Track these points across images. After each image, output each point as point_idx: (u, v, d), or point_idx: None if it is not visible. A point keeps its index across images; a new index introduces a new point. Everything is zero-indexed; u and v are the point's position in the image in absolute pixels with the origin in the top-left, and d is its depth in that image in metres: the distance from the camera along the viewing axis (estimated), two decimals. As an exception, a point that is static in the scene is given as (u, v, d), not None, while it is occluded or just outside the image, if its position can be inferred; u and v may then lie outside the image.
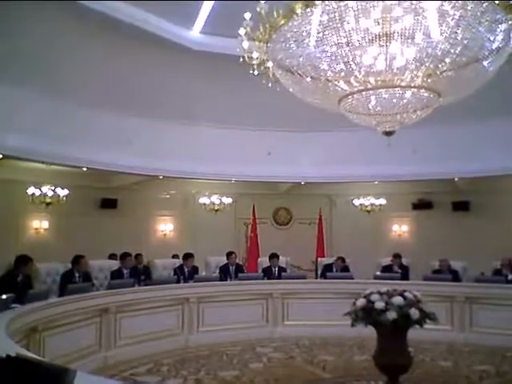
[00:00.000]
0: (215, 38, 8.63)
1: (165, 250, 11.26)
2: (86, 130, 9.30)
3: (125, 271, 7.83)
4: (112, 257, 9.61)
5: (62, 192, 10.33)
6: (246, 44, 4.25)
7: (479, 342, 7.23)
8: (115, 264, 8.09)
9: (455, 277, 8.18)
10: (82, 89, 8.76)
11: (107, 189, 11.81)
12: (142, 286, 7.56)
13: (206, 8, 8.11)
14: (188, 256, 8.59)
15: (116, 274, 7.63)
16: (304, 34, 3.90)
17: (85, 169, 9.98)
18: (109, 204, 11.90)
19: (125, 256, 8.07)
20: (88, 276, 7.20)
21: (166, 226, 13.07)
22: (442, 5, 3.74)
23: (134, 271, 8.10)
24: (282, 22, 3.92)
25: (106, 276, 7.67)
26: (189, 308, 7.49)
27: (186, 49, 8.63)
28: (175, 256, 9.96)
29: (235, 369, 6.22)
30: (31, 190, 10.04)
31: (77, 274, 6.98)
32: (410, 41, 3.79)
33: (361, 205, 12.97)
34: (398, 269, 8.78)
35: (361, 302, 4.79)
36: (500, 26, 3.97)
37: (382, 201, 12.87)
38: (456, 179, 11.46)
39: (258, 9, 4.02)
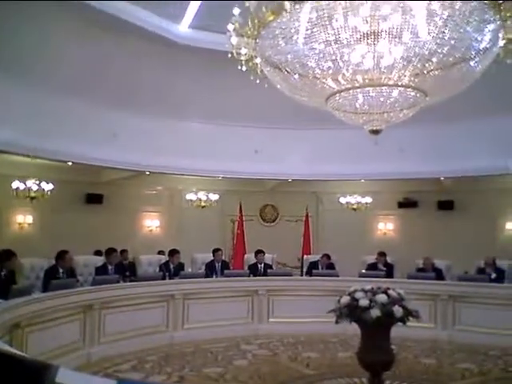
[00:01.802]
0: (204, 33, 8.60)
1: (151, 246, 11.21)
2: (71, 124, 9.21)
3: (110, 267, 7.77)
4: (97, 253, 9.54)
5: (47, 186, 10.20)
6: (234, 40, 4.24)
7: (462, 340, 7.31)
8: (100, 260, 8.03)
9: (439, 275, 8.26)
10: (70, 83, 8.68)
11: (93, 184, 11.70)
12: (127, 283, 7.51)
13: (195, 3, 8.07)
14: (174, 252, 8.55)
15: (101, 270, 7.57)
16: (292, 30, 3.90)
17: (70, 163, 9.89)
18: (94, 199, 11.80)
19: (110, 252, 8.01)
20: (72, 272, 7.13)
21: (152, 222, 13.00)
22: (430, 4, 3.76)
23: (119, 267, 8.05)
24: (271, 18, 3.91)
25: (90, 272, 7.61)
26: (174, 305, 7.46)
27: (173, 43, 8.58)
28: (161, 252, 9.91)
29: (219, 366, 6.21)
30: (16, 184, 9.90)
31: (61, 270, 6.90)
32: (397, 40, 3.80)
33: (347, 203, 13.02)
34: (382, 267, 8.84)
35: (345, 299, 4.80)
36: (488, 25, 3.99)
37: (368, 199, 12.94)
38: (442, 178, 11.57)
39: (247, 4, 4.00)
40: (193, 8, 8.21)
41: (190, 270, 8.88)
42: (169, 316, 7.40)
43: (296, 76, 4.41)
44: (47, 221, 11.02)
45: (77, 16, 7.53)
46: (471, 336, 7.28)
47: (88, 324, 6.35)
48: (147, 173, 11.14)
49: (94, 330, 6.42)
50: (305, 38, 3.91)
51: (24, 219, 11.15)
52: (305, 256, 10.62)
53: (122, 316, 6.75)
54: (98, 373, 5.66)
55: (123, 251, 9.60)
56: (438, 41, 3.86)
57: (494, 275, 7.95)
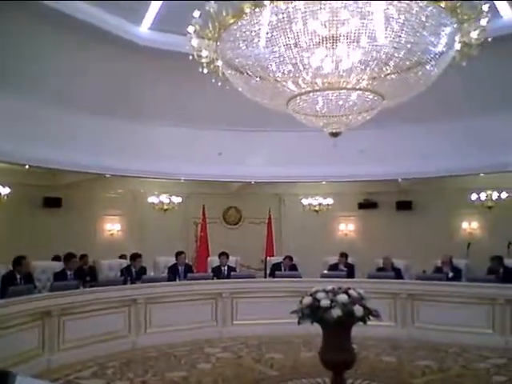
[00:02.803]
0: (164, 35, 8.54)
1: (112, 250, 11.02)
2: (28, 126, 8.96)
3: (69, 273, 7.61)
4: (56, 258, 9.30)
5: (3, 190, 9.92)
6: (195, 42, 4.23)
7: (422, 337, 7.48)
8: (59, 265, 7.84)
9: (398, 274, 8.45)
10: (25, 83, 8.45)
11: (51, 187, 11.43)
12: (87, 288, 7.36)
13: (155, 4, 8.01)
14: (136, 256, 8.44)
15: (59, 276, 7.40)
16: (253, 34, 3.92)
17: (27, 166, 9.62)
18: (52, 203, 11.52)
19: (69, 257, 7.83)
20: (30, 278, 6.96)
21: (113, 226, 12.78)
22: (388, 8, 3.85)
23: (79, 272, 7.88)
24: (231, 21, 3.93)
25: (48, 278, 7.45)
26: (136, 309, 7.36)
27: (133, 44, 8.49)
28: (122, 256, 9.76)
29: (183, 370, 6.16)
30: (-30, 188, 9.60)
31: (18, 276, 6.74)
32: (355, 44, 3.88)
33: (309, 204, 13.18)
34: (343, 267, 8.98)
35: (307, 299, 4.85)
36: (445, 29, 4.11)
37: (330, 200, 13.13)
38: (400, 180, 11.85)
39: (207, 7, 4.01)
40: (153, 10, 8.15)
41: (152, 273, 8.78)
42: (131, 321, 7.30)
43: (257, 79, 4.44)
44: (4, 225, 10.67)
45: (32, 14, 7.33)
46: (430, 334, 7.47)
47: (47, 331, 6.20)
48: (107, 175, 10.95)
49: (53, 337, 6.28)
50: (265, 41, 3.94)
51: (-21, 224, 10.78)
52: (268, 258, 10.67)
53: (83, 322, 6.62)
54: (57, 380, 5.56)
55: (83, 256, 9.41)
56: (394, 45, 3.96)
57: (451, 274, 8.18)
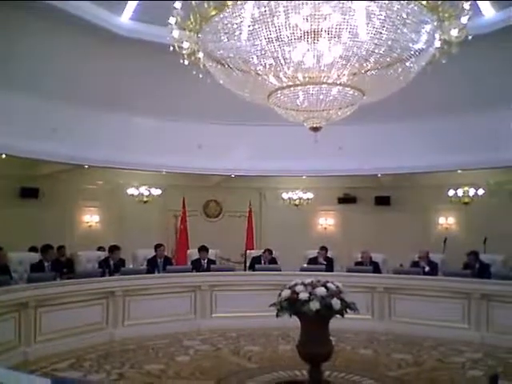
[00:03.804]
0: (145, 26, 8.46)
1: (90, 242, 10.93)
2: (5, 116, 8.79)
3: (46, 264, 7.54)
4: (32, 249, 9.17)
5: (-21, 181, 9.73)
6: (176, 33, 4.20)
7: (398, 331, 7.59)
8: (36, 257, 7.75)
9: (376, 268, 8.56)
10: (6, 75, 8.28)
11: (28, 177, 11.23)
12: (64, 280, 7.30)
13: (136, -6, 7.93)
14: (114, 248, 8.38)
15: (36, 267, 7.32)
16: (235, 26, 3.91)
17: (4, 156, 9.44)
18: (30, 193, 11.32)
19: (46, 248, 7.76)
20: (6, 269, 6.89)
21: (91, 218, 12.62)
22: (369, 5, 3.87)
23: (56, 264, 7.83)
24: (213, 13, 3.91)
25: (25, 269, 7.35)
26: (114, 302, 7.32)
27: (115, 35, 8.38)
28: (101, 248, 9.68)
29: (161, 362, 6.16)
30: None
31: (-6, 267, 6.63)
32: (336, 39, 3.89)
33: (289, 198, 13.22)
34: (323, 261, 9.05)
35: (286, 292, 4.88)
36: (425, 26, 4.15)
37: (310, 195, 13.19)
38: (379, 175, 11.97)
39: (189, -1, 3.98)
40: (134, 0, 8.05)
41: (131, 266, 8.74)
42: (108, 313, 7.26)
43: (238, 72, 4.43)
44: (-21, 216, 10.49)
45: (11, 5, 7.18)
46: (407, 327, 7.58)
47: (23, 322, 6.15)
48: (86, 166, 10.81)
49: (29, 329, 6.23)
50: (247, 34, 3.93)
51: (-47, 215, 10.56)
52: (248, 251, 10.70)
53: (60, 314, 6.58)
54: (34, 372, 5.51)
55: (60, 247, 9.31)
56: (375, 41, 3.98)
57: (427, 268, 8.30)
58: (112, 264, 8.14)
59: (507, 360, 6.25)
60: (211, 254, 9.09)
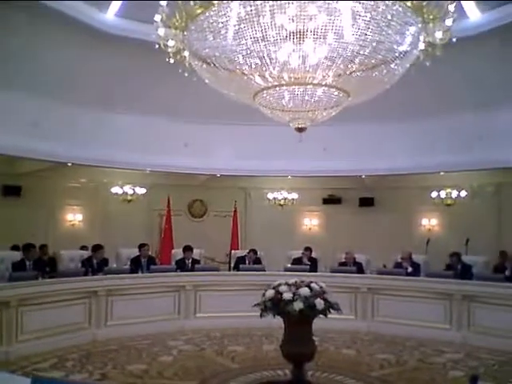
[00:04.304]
0: (131, 23, 8.39)
1: (73, 240, 10.81)
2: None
3: (28, 263, 7.45)
4: (14, 248, 9.05)
5: (-41, 178, 9.57)
6: (161, 31, 4.17)
7: (381, 331, 7.66)
8: (18, 255, 7.64)
9: (359, 269, 8.61)
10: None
11: (11, 175, 11.08)
12: (46, 279, 7.22)
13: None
14: (97, 248, 8.30)
15: (18, 266, 7.23)
16: (221, 25, 3.90)
17: (-16, 153, 9.31)
18: (12, 191, 11.19)
19: (28, 247, 7.67)
20: (-14, 268, 6.75)
21: (74, 216, 12.50)
22: (355, 6, 3.89)
23: (39, 263, 7.73)
24: (199, 11, 3.90)
25: (7, 268, 7.24)
26: (97, 301, 7.26)
27: (98, 31, 8.29)
28: (84, 247, 9.58)
29: (144, 362, 6.13)
30: None
31: (-26, 266, 6.52)
32: (322, 40, 3.90)
33: (274, 198, 13.24)
34: (307, 261, 9.08)
35: (270, 293, 4.89)
36: (410, 28, 4.18)
37: (295, 195, 13.23)
38: (363, 176, 12.05)
39: (175, -4, 3.96)
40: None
41: (114, 265, 8.67)
42: (91, 313, 7.21)
43: (224, 71, 4.42)
44: (-41, 214, 10.33)
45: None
46: (389, 327, 7.65)
47: (4, 322, 6.10)
48: (69, 164, 10.69)
49: (11, 328, 6.17)
50: (233, 33, 3.93)
51: None
52: (232, 251, 10.68)
53: (42, 313, 6.51)
54: (16, 371, 5.45)
55: (43, 246, 9.21)
56: (360, 42, 4.00)
57: (410, 269, 8.35)
58: (95, 263, 8.06)
59: (488, 361, 6.32)
60: (196, 253, 9.06)
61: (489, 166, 10.47)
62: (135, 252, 8.63)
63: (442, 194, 11.93)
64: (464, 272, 8.01)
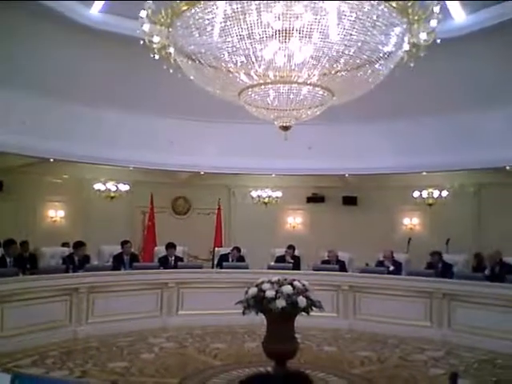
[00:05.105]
0: (115, 18, 8.30)
1: (54, 237, 10.69)
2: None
3: (8, 259, 7.38)
4: (-6, 244, 8.95)
5: None
6: (146, 27, 4.15)
7: (362, 329, 7.73)
8: (-2, 252, 7.55)
9: (342, 267, 8.66)
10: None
11: (-9, 171, 10.93)
12: (27, 276, 7.13)
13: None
14: (79, 244, 8.24)
15: (-2, 262, 7.14)
16: (206, 22, 3.89)
17: (-35, 148, 9.16)
18: (-7, 187, 11.04)
19: (8, 243, 7.58)
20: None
21: (56, 213, 12.36)
22: (340, 5, 3.91)
23: (19, 260, 7.64)
24: (184, 8, 3.88)
25: (-14, 264, 7.15)
26: (78, 298, 7.20)
27: (83, 27, 8.20)
28: (65, 244, 9.50)
29: (125, 360, 6.10)
30: None
31: (-47, 262, 6.43)
32: (307, 39, 3.92)
33: (258, 197, 13.26)
34: (290, 259, 9.12)
35: (252, 290, 4.91)
36: (394, 29, 4.21)
37: (279, 193, 13.26)
38: (347, 175, 12.13)
39: (161, -8, 3.94)
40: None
41: (96, 262, 8.60)
42: (72, 310, 7.14)
43: (209, 68, 4.41)
44: None
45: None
46: (371, 325, 7.72)
47: (-16, 318, 6.00)
48: (51, 160, 10.57)
49: (-9, 325, 6.08)
50: (219, 30, 3.92)
51: None
52: (216, 249, 10.67)
53: (22, 310, 6.45)
54: (-4, 368, 5.38)
55: (23, 243, 9.09)
56: (345, 42, 4.03)
57: (391, 267, 8.46)
58: (76, 260, 8.00)
59: (468, 359, 6.40)
60: (179, 251, 9.03)
61: (469, 167, 10.64)
62: (118, 249, 8.58)
63: (424, 193, 12.06)
64: (444, 271, 8.12)
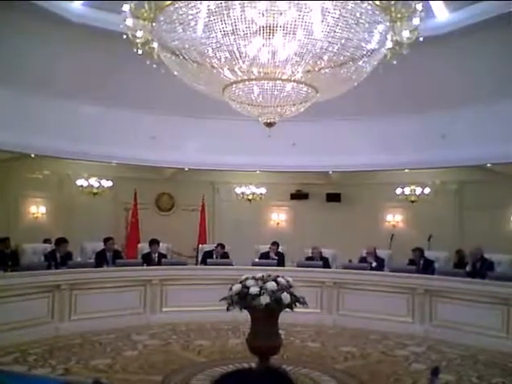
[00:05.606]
0: (98, 12, 8.21)
1: (36, 234, 10.56)
2: None
3: (-11, 256, 7.25)
4: (-26, 241, 8.82)
5: None
6: (130, 21, 4.11)
7: (345, 324, 7.79)
8: (-23, 248, 7.45)
9: (326, 263, 8.71)
10: None
11: (-29, 166, 10.76)
12: (8, 272, 7.04)
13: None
14: (61, 241, 8.14)
15: (-22, 259, 7.03)
16: (190, 17, 3.87)
17: None
18: (-28, 183, 10.86)
19: (-11, 240, 7.46)
20: None
21: (37, 209, 12.20)
22: (324, 3, 3.92)
23: (0, 256, 7.52)
24: (168, 2, 3.85)
25: (-34, 261, 7.05)
26: (60, 295, 7.13)
27: (64, 20, 8.09)
28: (47, 241, 9.39)
29: (108, 357, 6.06)
30: None
31: None
32: (291, 35, 3.92)
33: (242, 193, 13.25)
34: (274, 256, 9.14)
35: (237, 287, 4.91)
36: (377, 26, 4.24)
37: (263, 190, 13.27)
38: (331, 172, 12.19)
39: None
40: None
41: (79, 259, 8.52)
42: (54, 307, 7.07)
43: (193, 64, 4.39)
44: None
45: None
46: (354, 321, 7.78)
47: (-35, 316, 5.91)
48: (32, 155, 10.42)
49: (-29, 323, 5.99)
50: (203, 25, 3.90)
51: None
52: (200, 245, 10.64)
53: (4, 307, 6.39)
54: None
55: (5, 239, 8.98)
56: (329, 39, 4.04)
57: (374, 263, 8.53)
58: (59, 257, 7.91)
59: (449, 354, 6.49)
60: (163, 247, 9.00)
61: (451, 165, 10.75)
62: (100, 246, 8.52)
63: (407, 190, 12.16)
64: (426, 267, 8.21)
